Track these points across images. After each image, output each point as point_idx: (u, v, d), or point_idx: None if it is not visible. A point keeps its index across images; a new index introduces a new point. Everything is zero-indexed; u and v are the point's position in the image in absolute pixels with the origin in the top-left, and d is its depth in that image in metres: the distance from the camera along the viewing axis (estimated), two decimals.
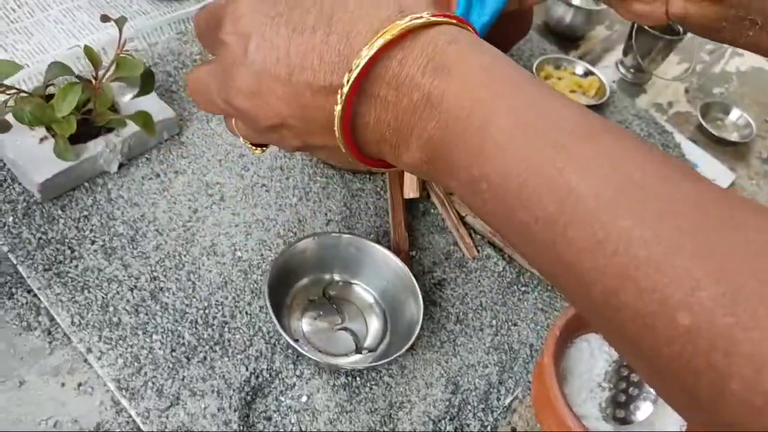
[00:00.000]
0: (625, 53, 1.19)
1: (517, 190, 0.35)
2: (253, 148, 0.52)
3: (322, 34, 0.37)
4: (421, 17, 0.37)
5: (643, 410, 0.70)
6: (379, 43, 0.36)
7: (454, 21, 0.40)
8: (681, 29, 1.12)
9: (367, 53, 0.36)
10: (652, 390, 0.70)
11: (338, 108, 0.38)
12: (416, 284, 0.72)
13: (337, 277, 0.76)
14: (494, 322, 0.79)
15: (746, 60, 1.31)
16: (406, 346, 0.68)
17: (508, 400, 0.74)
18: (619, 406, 0.71)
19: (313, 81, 0.38)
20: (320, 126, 0.40)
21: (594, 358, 0.75)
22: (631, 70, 1.19)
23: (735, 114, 1.15)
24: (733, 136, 1.12)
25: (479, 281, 0.81)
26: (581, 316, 0.75)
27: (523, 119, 0.35)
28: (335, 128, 0.39)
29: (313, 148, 0.44)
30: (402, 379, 0.72)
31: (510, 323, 0.79)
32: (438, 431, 0.70)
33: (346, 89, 0.37)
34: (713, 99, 1.20)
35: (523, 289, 0.82)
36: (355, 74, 0.37)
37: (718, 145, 1.11)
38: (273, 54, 0.38)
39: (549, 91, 0.38)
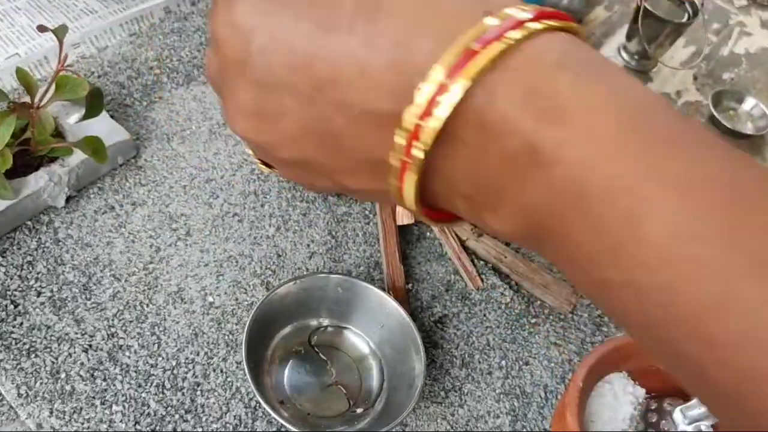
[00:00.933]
0: (629, 38, 1.09)
1: (693, 319, 0.24)
2: (264, 166, 0.41)
3: (363, 34, 0.26)
4: (517, 21, 0.25)
5: None
6: (452, 60, 0.25)
7: (559, 23, 0.27)
8: (691, 11, 1.02)
9: (438, 75, 0.25)
10: None
11: (395, 157, 0.27)
12: (416, 330, 0.63)
13: (325, 323, 0.67)
14: (504, 362, 0.70)
15: (755, 40, 1.21)
16: (411, 406, 0.59)
17: None
18: None
19: (348, 101, 0.27)
20: (360, 163, 0.29)
21: (618, 401, 0.66)
22: (636, 57, 1.09)
23: (749, 103, 1.06)
24: (748, 128, 1.03)
25: (485, 315, 0.72)
26: (605, 358, 0.66)
27: (708, 228, 0.24)
28: (390, 176, 0.28)
29: (354, 192, 0.33)
30: None
31: (521, 362, 0.70)
32: None
33: (405, 131, 0.26)
34: (724, 86, 1.10)
35: (533, 321, 0.73)
36: (417, 112, 0.25)
37: (732, 138, 1.02)
38: (286, 58, 0.27)
39: (741, 161, 0.26)
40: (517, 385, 0.69)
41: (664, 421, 0.64)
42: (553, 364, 0.71)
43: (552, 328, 0.73)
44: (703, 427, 0.62)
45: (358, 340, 0.67)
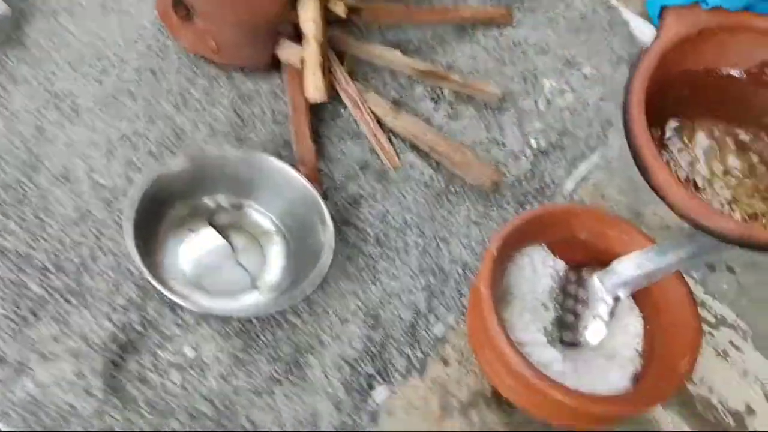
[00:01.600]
0: None
1: None
2: None
3: None
4: None
5: (594, 331, 0.60)
6: None
7: None
8: None
9: None
10: (602, 308, 0.60)
11: None
12: (322, 202, 0.59)
13: (224, 201, 0.62)
14: (420, 240, 0.66)
15: None
16: (317, 280, 0.56)
17: (439, 330, 0.63)
18: (567, 328, 0.61)
19: None
20: None
21: (537, 274, 0.64)
22: None
23: None
24: None
25: (402, 194, 0.68)
26: (520, 229, 0.64)
27: None
28: None
29: None
30: (311, 318, 0.60)
31: (439, 240, 0.67)
32: (357, 374, 0.59)
33: None
34: None
35: (453, 199, 0.70)
36: None
37: None
38: None
39: None
40: (434, 262, 0.66)
41: (581, 289, 0.62)
42: (473, 243, 0.68)
43: (473, 207, 0.70)
44: (620, 293, 0.60)
45: (260, 217, 0.62)
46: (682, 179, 0.50)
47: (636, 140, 0.48)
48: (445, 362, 0.62)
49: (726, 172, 0.51)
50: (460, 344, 0.63)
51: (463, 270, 0.66)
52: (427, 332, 0.63)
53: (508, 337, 0.54)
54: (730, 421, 0.63)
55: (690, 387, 0.65)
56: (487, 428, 0.60)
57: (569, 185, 0.74)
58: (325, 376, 0.58)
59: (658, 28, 0.50)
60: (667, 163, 0.50)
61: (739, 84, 0.51)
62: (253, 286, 0.60)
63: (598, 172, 0.76)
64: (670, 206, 0.47)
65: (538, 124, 0.76)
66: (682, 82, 0.50)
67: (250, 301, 0.58)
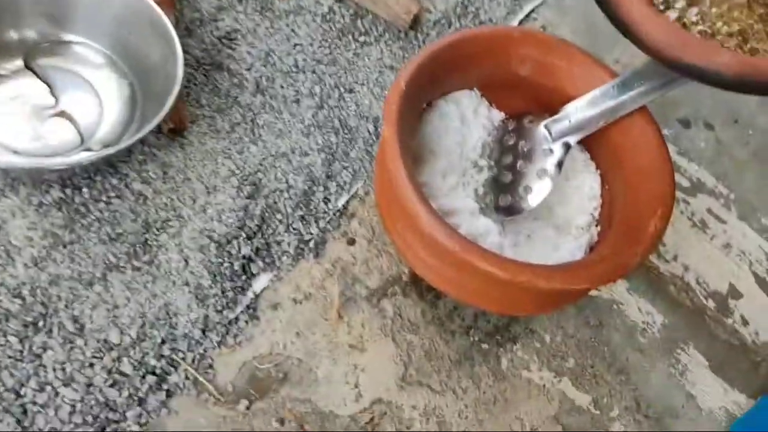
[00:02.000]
0: None
1: None
2: None
3: None
4: None
5: (538, 192, 0.46)
6: None
7: None
8: None
9: None
10: (549, 161, 0.46)
11: None
12: (172, 29, 0.43)
13: (38, 35, 0.46)
14: (318, 89, 0.51)
15: None
16: (155, 121, 0.40)
17: (341, 201, 0.49)
18: (504, 190, 0.47)
19: None
20: None
21: (466, 125, 0.49)
22: None
23: None
24: None
25: (293, 30, 0.53)
26: (441, 58, 0.48)
27: None
28: None
29: None
30: (165, 186, 0.45)
31: (343, 90, 0.52)
32: (228, 256, 0.44)
33: None
34: None
35: (362, 39, 0.54)
36: None
37: None
38: None
39: None
40: (336, 117, 0.51)
41: (522, 141, 0.47)
42: (387, 93, 0.53)
43: (387, 47, 0.54)
44: (570, 140, 0.46)
45: (90, 53, 0.46)
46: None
47: None
48: (351, 241, 0.48)
49: None
50: (371, 219, 0.49)
51: (375, 127, 0.52)
52: (325, 204, 0.48)
53: (424, 200, 0.40)
54: (710, 304, 0.51)
55: (661, 265, 0.52)
56: (404, 322, 0.46)
57: (512, 25, 0.59)
58: (185, 260, 0.43)
59: None
60: None
61: None
62: (84, 144, 0.44)
63: (547, 10, 0.61)
64: (645, 45, 0.37)
65: None
66: None
67: (77, 157, 0.42)
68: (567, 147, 0.45)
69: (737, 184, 0.57)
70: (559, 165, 0.45)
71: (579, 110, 0.45)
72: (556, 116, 0.46)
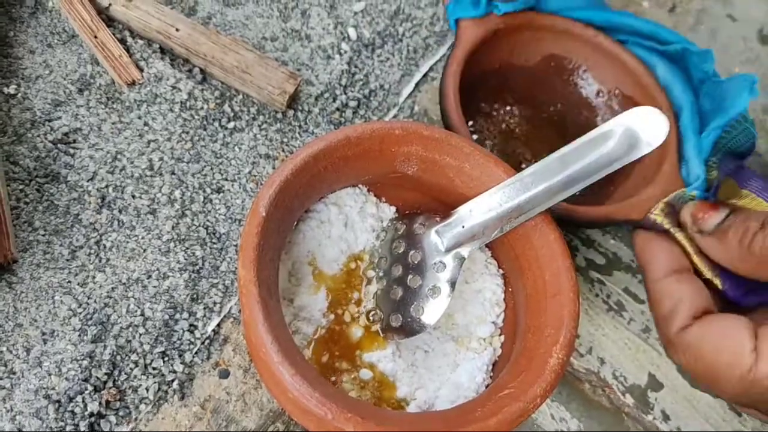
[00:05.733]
0: None
1: None
2: None
3: None
4: None
5: (431, 312, 0.40)
6: None
7: None
8: None
9: None
10: (442, 277, 0.40)
11: None
12: None
13: None
14: (178, 194, 0.44)
15: None
16: None
17: (211, 326, 0.42)
18: (394, 309, 0.41)
19: None
20: None
21: (351, 230, 0.43)
22: None
23: None
24: None
25: (147, 124, 0.45)
26: (313, 169, 0.42)
27: None
28: None
29: None
30: None
31: (209, 190, 0.45)
32: (72, 416, 0.37)
33: None
34: None
35: (231, 125, 0.47)
36: None
37: None
38: None
39: None
40: (201, 224, 0.44)
41: (413, 251, 0.41)
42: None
43: (261, 132, 0.48)
44: (464, 253, 0.40)
45: None
46: None
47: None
48: (223, 373, 0.42)
49: None
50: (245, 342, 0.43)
51: None
52: (191, 332, 0.41)
53: (287, 357, 0.33)
54: (628, 400, 0.47)
55: (575, 361, 0.47)
56: None
57: (407, 91, 0.53)
58: (19, 429, 0.36)
59: (455, 37, 0.48)
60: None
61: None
62: None
63: None
64: None
65: (360, 3, 0.54)
66: (488, 75, 0.49)
67: None
68: (461, 260, 0.40)
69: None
70: (452, 284, 0.40)
71: (472, 214, 0.40)
72: (448, 220, 0.41)
